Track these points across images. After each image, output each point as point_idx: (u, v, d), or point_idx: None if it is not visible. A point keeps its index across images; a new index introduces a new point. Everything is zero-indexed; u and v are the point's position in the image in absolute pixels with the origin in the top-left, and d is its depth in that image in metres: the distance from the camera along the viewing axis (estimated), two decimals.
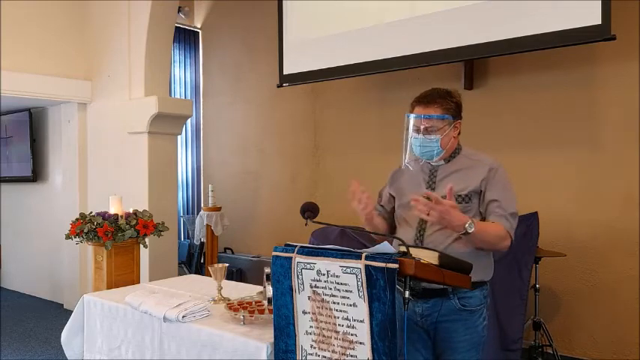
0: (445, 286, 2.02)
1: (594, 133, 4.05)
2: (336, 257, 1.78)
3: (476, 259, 2.00)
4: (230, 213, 6.05)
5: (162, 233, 3.63)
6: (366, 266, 1.70)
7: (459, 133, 2.16)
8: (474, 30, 3.82)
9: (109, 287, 3.31)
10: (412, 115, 2.12)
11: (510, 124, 4.40)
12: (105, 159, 5.50)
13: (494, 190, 2.06)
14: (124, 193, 3.90)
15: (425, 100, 2.11)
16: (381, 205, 2.36)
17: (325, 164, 5.71)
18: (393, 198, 2.29)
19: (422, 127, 2.09)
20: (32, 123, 6.16)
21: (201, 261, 6.26)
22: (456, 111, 2.12)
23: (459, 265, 1.88)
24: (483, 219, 2.09)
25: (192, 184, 6.98)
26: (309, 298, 1.85)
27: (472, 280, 1.94)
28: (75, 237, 3.40)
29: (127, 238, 3.38)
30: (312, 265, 1.83)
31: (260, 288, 2.70)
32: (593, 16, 3.33)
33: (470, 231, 1.93)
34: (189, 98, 6.75)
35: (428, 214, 1.90)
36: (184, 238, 6.73)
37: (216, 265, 2.72)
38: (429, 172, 2.16)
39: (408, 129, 2.12)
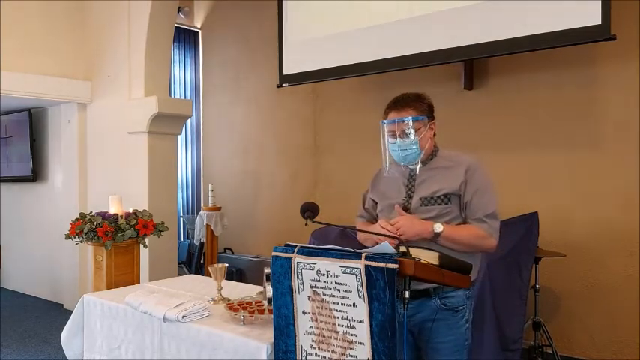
0: (428, 287, 2.03)
1: (594, 133, 4.05)
2: (336, 257, 1.78)
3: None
4: (230, 213, 6.05)
5: (162, 233, 3.64)
6: (366, 266, 1.71)
7: (434, 134, 2.19)
8: (474, 30, 3.82)
9: (109, 287, 3.31)
10: (387, 121, 2.15)
11: (510, 124, 4.40)
12: (105, 159, 5.50)
13: (471, 191, 2.08)
14: (124, 193, 3.91)
15: (398, 104, 2.15)
16: (365, 209, 2.37)
17: (325, 164, 5.71)
18: (376, 203, 2.30)
19: (399, 131, 2.10)
20: (32, 123, 6.15)
21: (201, 261, 6.26)
22: (429, 112, 2.16)
23: (458, 265, 1.89)
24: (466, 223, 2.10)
25: (192, 184, 6.98)
26: (308, 298, 1.85)
27: None
28: (75, 237, 3.40)
29: (127, 238, 3.38)
30: (312, 265, 1.83)
31: (260, 288, 2.70)
32: (593, 16, 3.33)
33: (438, 230, 1.99)
34: (189, 98, 6.75)
35: (400, 235, 2.00)
36: (184, 238, 6.73)
37: (216, 265, 2.72)
38: (409, 177, 2.18)
39: (384, 136, 2.16)
